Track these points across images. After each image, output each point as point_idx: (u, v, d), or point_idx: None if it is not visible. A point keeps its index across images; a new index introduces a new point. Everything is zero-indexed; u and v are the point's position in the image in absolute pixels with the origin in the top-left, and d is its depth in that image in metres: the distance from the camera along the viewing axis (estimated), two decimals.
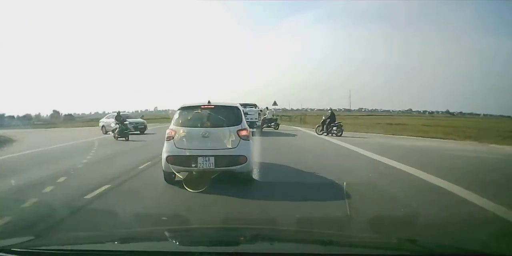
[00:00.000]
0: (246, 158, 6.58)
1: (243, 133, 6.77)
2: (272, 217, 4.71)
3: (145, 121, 23.14)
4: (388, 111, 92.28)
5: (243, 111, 7.74)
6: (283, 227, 4.09)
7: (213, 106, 7.08)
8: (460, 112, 79.04)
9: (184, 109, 7.13)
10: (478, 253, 2.24)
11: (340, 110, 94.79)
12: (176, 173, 6.70)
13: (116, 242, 2.49)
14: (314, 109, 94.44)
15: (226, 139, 6.64)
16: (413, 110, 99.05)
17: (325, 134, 19.15)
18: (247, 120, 23.69)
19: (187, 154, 6.51)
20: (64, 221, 4.74)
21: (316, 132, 19.92)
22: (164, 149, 6.73)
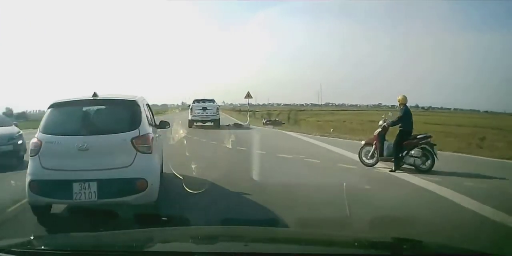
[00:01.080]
0: (146, 183, 4.50)
1: (141, 142, 4.62)
2: (272, 217, 4.71)
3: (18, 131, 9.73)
4: (356, 105, 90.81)
5: (147, 106, 5.80)
6: (283, 227, 4.09)
7: (98, 102, 5.03)
8: (430, 107, 77.69)
9: (57, 107, 4.94)
10: (478, 253, 2.23)
11: (307, 105, 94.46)
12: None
13: (116, 242, 2.48)
14: (280, 104, 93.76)
15: (115, 153, 4.58)
16: (382, 104, 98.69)
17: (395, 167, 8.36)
18: (207, 115, 22.01)
19: (58, 178, 4.45)
20: None
21: (363, 159, 9.09)
22: (28, 170, 4.61)
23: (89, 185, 4.39)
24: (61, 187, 4.44)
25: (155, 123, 6.07)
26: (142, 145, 4.64)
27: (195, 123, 20.94)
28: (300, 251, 2.23)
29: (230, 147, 11.85)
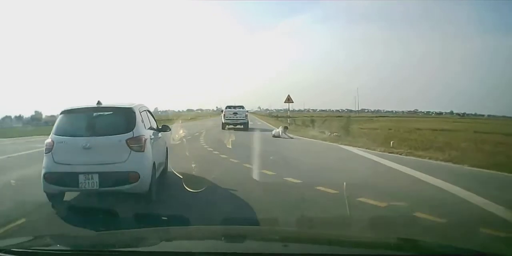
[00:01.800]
0: (138, 175, 5.35)
1: (135, 142, 5.50)
2: (272, 217, 4.71)
3: None
4: (392, 111, 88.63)
5: (146, 112, 6.70)
6: (283, 227, 4.09)
7: (99, 109, 5.93)
8: (464, 113, 75.49)
9: (66, 113, 5.89)
10: (478, 253, 2.23)
11: (343, 110, 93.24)
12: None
13: (116, 242, 2.49)
14: (316, 109, 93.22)
15: (113, 151, 5.45)
16: (418, 110, 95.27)
17: None
18: (237, 119, 24.72)
19: (67, 170, 5.36)
20: None
21: None
22: (43, 164, 5.55)
23: (92, 176, 5.28)
24: (70, 178, 5.32)
25: (157, 126, 7.13)
26: (135, 144, 5.52)
27: (227, 126, 24.55)
28: (300, 251, 2.23)
29: (271, 173, 8.14)
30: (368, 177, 7.59)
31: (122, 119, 5.83)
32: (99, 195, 5.54)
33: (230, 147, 12.78)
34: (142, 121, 5.99)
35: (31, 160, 9.72)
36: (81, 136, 5.58)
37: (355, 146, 13.75)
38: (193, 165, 8.12)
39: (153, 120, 7.20)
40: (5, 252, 1.98)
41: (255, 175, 7.63)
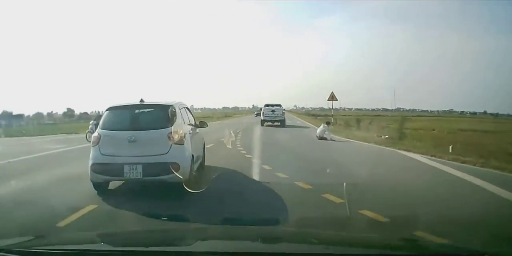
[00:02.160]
0: (179, 166, 5.74)
1: (175, 136, 5.92)
2: (272, 217, 4.71)
3: None
4: (427, 111, 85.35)
5: (185, 109, 7.17)
6: (283, 227, 4.09)
7: (142, 106, 6.41)
8: (498, 113, 70.76)
9: (111, 110, 6.38)
10: (478, 253, 2.23)
11: (378, 109, 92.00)
12: None
13: (116, 242, 2.49)
14: (352, 108, 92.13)
15: (155, 144, 5.88)
16: (453, 110, 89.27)
17: None
18: (275, 116, 26.37)
19: (113, 161, 5.80)
20: None
21: None
22: (90, 156, 6.03)
23: (136, 167, 5.73)
24: (115, 168, 5.77)
25: (195, 122, 7.67)
26: (176, 138, 5.93)
27: (265, 123, 26.40)
28: (300, 251, 2.23)
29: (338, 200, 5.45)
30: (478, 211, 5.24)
31: (164, 115, 6.21)
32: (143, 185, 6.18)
33: (270, 152, 10.97)
34: (182, 117, 6.52)
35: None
36: (126, 130, 5.98)
37: (417, 153, 11.47)
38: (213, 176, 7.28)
39: (192, 116, 7.75)
40: (5, 252, 1.98)
41: (315, 204, 5.52)
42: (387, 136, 16.24)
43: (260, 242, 2.53)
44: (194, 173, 6.36)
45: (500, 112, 70.96)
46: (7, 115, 44.42)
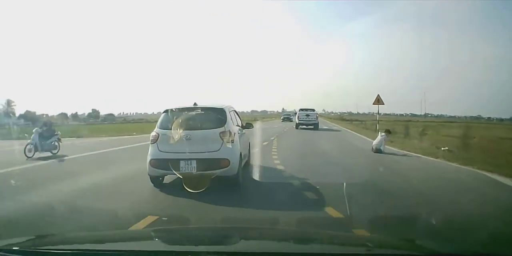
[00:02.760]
0: (229, 161, 6.43)
1: (226, 135, 6.59)
2: (272, 217, 4.72)
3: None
4: (454, 117, 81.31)
5: (233, 112, 7.77)
6: (283, 227, 4.09)
7: (197, 109, 7.06)
8: None
9: (168, 112, 7.07)
10: (478, 253, 2.23)
11: (407, 115, 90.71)
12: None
13: (116, 242, 2.49)
14: (381, 113, 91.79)
15: (208, 142, 6.53)
16: (481, 116, 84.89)
17: None
18: (309, 120, 26.90)
19: (170, 157, 6.45)
20: None
21: None
22: (149, 152, 6.74)
23: (190, 162, 6.39)
24: (172, 163, 6.37)
25: (242, 124, 8.44)
26: (227, 137, 6.58)
27: (300, 126, 27.47)
28: (300, 251, 2.23)
29: None
30: None
31: (216, 116, 6.94)
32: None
33: (315, 169, 9.02)
34: (231, 119, 7.17)
35: None
36: (182, 130, 6.57)
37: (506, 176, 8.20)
38: None
39: (239, 118, 8.43)
40: (5, 252, 1.98)
41: None
42: (446, 148, 13.08)
43: (260, 242, 2.53)
44: (241, 168, 7.05)
45: None
46: (31, 115, 43.75)
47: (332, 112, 79.06)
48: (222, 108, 7.15)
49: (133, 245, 2.39)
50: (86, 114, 60.24)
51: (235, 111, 8.21)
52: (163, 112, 7.18)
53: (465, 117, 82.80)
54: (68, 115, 54.29)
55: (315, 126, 27.49)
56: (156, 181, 6.80)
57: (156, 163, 6.54)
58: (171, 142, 6.53)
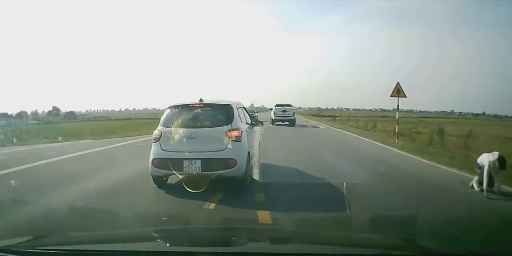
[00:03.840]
0: (236, 162, 6.04)
1: (233, 133, 6.21)
2: (272, 217, 4.71)
3: None
4: (425, 112, 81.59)
5: (242, 109, 7.38)
6: (283, 227, 4.09)
7: (202, 105, 6.66)
8: (496, 115, 71.09)
9: (172, 108, 6.73)
10: (478, 253, 2.23)
11: (376, 110, 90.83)
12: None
13: (116, 242, 2.49)
14: (349, 108, 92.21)
15: (214, 141, 6.17)
16: (455, 111, 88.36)
17: None
18: (286, 116, 24.94)
19: (173, 157, 6.11)
20: None
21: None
22: (151, 151, 6.39)
23: (195, 162, 6.01)
24: (175, 163, 6.03)
25: (251, 121, 7.94)
26: (233, 135, 6.20)
27: (276, 122, 26.01)
28: (300, 251, 2.23)
29: None
30: None
31: (222, 113, 6.51)
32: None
33: None
34: (239, 116, 6.76)
35: None
36: (186, 128, 6.26)
37: None
38: None
39: (248, 116, 7.92)
40: (5, 252, 1.98)
41: None
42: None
43: (260, 242, 2.53)
44: (249, 168, 6.68)
45: (498, 114, 69.86)
46: None
47: (300, 108, 78.46)
48: (229, 105, 6.75)
49: (133, 245, 2.39)
50: (46, 112, 55.26)
51: (243, 107, 7.81)
52: (166, 109, 6.81)
53: (436, 111, 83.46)
54: (29, 113, 50.62)
55: (292, 123, 26.33)
56: (160, 181, 6.47)
57: (159, 162, 6.19)
58: (174, 141, 6.21)
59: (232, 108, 6.64)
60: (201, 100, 6.64)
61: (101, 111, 76.47)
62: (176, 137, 6.19)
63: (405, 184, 7.38)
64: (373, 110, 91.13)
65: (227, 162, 6.05)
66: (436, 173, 8.51)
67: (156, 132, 6.46)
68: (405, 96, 15.87)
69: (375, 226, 4.25)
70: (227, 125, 6.30)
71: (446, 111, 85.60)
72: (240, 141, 6.28)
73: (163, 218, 4.70)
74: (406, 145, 14.01)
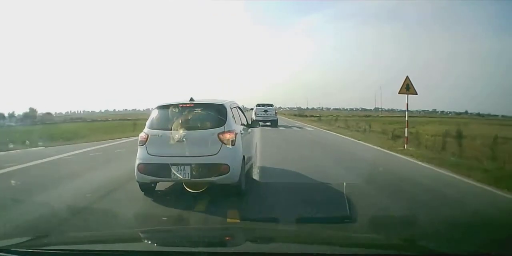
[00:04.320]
0: (229, 167, 5.55)
1: (226, 136, 5.71)
2: (272, 217, 4.71)
3: None
4: (405, 111, 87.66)
5: (236, 109, 6.90)
6: (283, 227, 4.09)
7: (193, 105, 6.12)
8: (478, 113, 72.22)
9: (160, 108, 6.19)
10: (478, 253, 2.24)
11: (357, 109, 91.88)
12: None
13: (116, 242, 2.49)
14: (330, 108, 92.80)
15: (205, 144, 5.67)
16: (437, 110, 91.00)
17: None
18: (268, 116, 23.76)
19: (160, 162, 5.63)
20: None
21: None
22: (137, 155, 5.88)
23: (184, 167, 5.52)
24: (162, 169, 5.57)
25: (247, 122, 7.33)
26: (227, 138, 5.71)
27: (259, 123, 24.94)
28: (300, 251, 2.23)
29: None
30: None
31: (214, 114, 6.03)
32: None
33: None
34: (233, 117, 6.25)
35: None
36: (175, 130, 5.74)
37: None
38: None
39: (243, 116, 7.39)
40: (5, 252, 1.98)
41: None
42: None
43: (260, 242, 2.53)
44: (244, 174, 6.12)
45: (481, 112, 72.55)
46: None
47: (281, 108, 78.22)
48: (222, 104, 6.23)
49: (133, 245, 2.39)
50: (22, 114, 50.87)
51: (238, 107, 7.25)
52: (154, 109, 6.28)
53: (417, 110, 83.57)
54: (6, 115, 46.31)
55: (274, 123, 25.38)
56: (147, 189, 5.94)
57: (145, 168, 5.69)
58: (162, 144, 5.74)
59: (226, 108, 6.14)
60: (191, 99, 6.14)
61: (82, 112, 75.19)
62: (164, 140, 5.73)
63: (468, 223, 4.80)
64: (354, 109, 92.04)
65: (219, 168, 5.56)
66: (488, 200, 6.22)
67: (142, 134, 5.98)
68: (416, 93, 13.27)
69: (375, 226, 4.25)
70: (219, 127, 5.80)
71: (428, 110, 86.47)
72: (234, 145, 5.78)
73: (163, 218, 4.71)
74: (419, 152, 11.73)
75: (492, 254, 2.19)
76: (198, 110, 6.17)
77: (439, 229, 4.26)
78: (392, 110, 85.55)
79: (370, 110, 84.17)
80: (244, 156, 6.10)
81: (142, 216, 4.89)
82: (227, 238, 2.62)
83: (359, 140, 16.15)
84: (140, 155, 5.85)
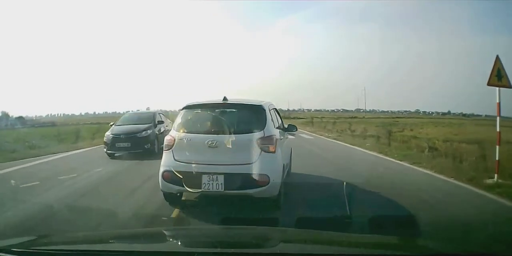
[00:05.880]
0: (269, 178, 4.86)
1: (266, 142, 5.02)
2: (272, 217, 4.71)
3: None
4: (388, 111, 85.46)
5: (274, 111, 6.17)
6: (283, 227, 4.09)
7: (227, 105, 5.48)
8: (461, 113, 72.72)
9: (189, 109, 5.50)
10: (478, 253, 2.23)
11: (338, 110, 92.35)
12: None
13: (116, 242, 2.49)
14: (311, 109, 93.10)
15: (241, 151, 4.98)
16: (420, 111, 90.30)
17: None
18: None
19: (189, 170, 4.94)
20: None
21: None
22: (162, 162, 5.27)
23: (217, 177, 4.84)
24: (191, 178, 4.91)
25: (283, 126, 6.52)
26: (266, 145, 5.03)
27: None
28: (300, 251, 2.23)
29: None
30: None
31: (252, 117, 5.37)
32: None
33: None
34: (272, 120, 5.53)
35: None
36: (206, 134, 5.12)
37: None
38: None
39: (280, 118, 6.62)
40: (5, 252, 1.98)
41: None
42: None
43: (260, 242, 2.53)
44: (283, 185, 5.33)
45: (464, 112, 72.52)
46: None
47: None
48: (260, 106, 5.48)
49: (133, 246, 2.39)
50: None
51: (275, 109, 6.46)
52: (181, 109, 5.55)
53: (398, 111, 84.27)
54: None
55: None
56: (172, 199, 5.31)
57: (170, 176, 5.02)
58: (191, 150, 5.06)
59: (265, 110, 5.40)
60: (225, 99, 5.43)
61: (62, 115, 73.67)
62: (193, 144, 5.08)
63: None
64: (335, 110, 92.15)
65: (258, 179, 4.86)
66: None
67: (168, 138, 5.30)
68: (510, 86, 7.85)
69: (375, 226, 4.25)
70: (258, 131, 5.09)
71: (410, 111, 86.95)
72: (274, 152, 5.07)
73: (163, 218, 4.71)
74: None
75: (491, 254, 2.19)
76: (233, 111, 5.57)
77: (439, 229, 4.26)
78: (374, 111, 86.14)
79: (352, 111, 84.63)
80: (284, 164, 5.50)
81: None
82: (227, 238, 2.62)
83: (411, 164, 9.55)
84: (165, 161, 5.21)
